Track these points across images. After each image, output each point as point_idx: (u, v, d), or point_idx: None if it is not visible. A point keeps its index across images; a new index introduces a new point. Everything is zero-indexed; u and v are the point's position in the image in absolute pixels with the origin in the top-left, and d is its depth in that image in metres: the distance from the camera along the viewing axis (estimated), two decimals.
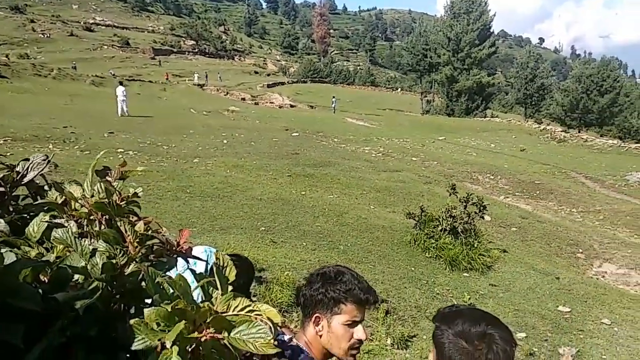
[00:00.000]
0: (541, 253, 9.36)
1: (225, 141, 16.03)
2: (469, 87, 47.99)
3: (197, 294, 0.84)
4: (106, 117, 19.07)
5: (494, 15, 49.53)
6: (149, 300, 0.81)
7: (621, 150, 26.65)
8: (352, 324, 1.57)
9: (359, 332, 1.58)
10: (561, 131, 33.18)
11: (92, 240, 0.85)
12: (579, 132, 39.36)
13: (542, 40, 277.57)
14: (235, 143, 15.93)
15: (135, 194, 0.90)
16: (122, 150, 12.29)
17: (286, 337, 1.63)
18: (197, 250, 1.71)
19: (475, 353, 1.20)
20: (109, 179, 0.92)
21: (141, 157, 11.90)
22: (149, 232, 0.84)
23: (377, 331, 5.38)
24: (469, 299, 6.61)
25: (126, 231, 0.80)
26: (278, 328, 1.83)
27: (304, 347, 1.59)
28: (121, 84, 24.64)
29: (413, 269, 7.24)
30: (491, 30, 51.29)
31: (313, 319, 1.60)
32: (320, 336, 1.58)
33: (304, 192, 10.50)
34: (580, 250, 9.76)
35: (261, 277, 5.64)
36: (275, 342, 1.34)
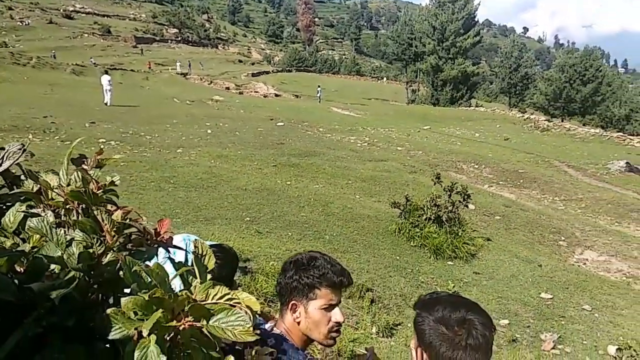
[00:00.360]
0: (524, 241, 9.48)
1: (209, 131, 15.90)
2: (454, 77, 48.15)
3: (178, 283, 0.84)
4: (87, 107, 18.77)
5: (479, 4, 49.61)
6: (128, 290, 0.80)
7: (603, 139, 27.01)
8: (329, 308, 1.58)
9: (336, 315, 1.59)
10: (544, 120, 33.49)
11: (69, 229, 0.84)
12: (562, 121, 39.78)
13: (526, 29, 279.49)
14: (219, 133, 15.82)
15: (112, 183, 0.88)
16: (104, 140, 12.13)
17: (267, 326, 1.64)
18: (176, 239, 1.70)
19: (455, 338, 1.21)
20: (85, 167, 0.90)
21: (123, 147, 11.76)
22: (127, 221, 0.83)
23: (363, 320, 5.42)
24: (453, 287, 6.68)
25: (103, 220, 0.79)
26: (260, 317, 1.83)
27: (284, 335, 1.59)
28: (106, 72, 24.29)
29: (398, 257, 7.30)
30: (476, 20, 51.39)
31: (290, 306, 1.60)
32: (299, 323, 1.59)
33: (289, 182, 10.48)
34: (563, 238, 9.90)
35: (246, 267, 5.64)
36: (257, 331, 1.34)
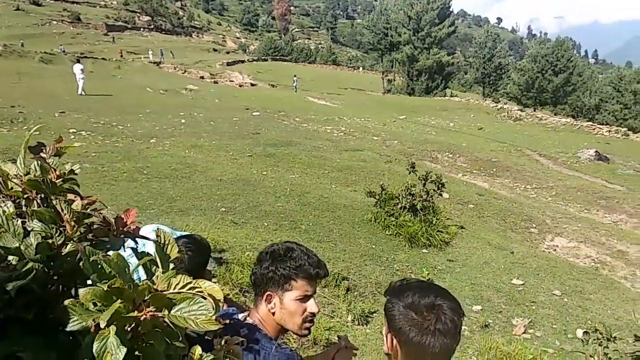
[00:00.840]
0: (497, 229, 9.64)
1: (183, 121, 15.69)
2: (429, 67, 48.51)
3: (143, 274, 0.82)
4: (57, 96, 18.33)
5: None
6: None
7: (573, 129, 27.62)
8: (304, 299, 1.59)
9: (311, 306, 1.60)
10: (517, 110, 34.07)
11: (30, 219, 0.82)
12: (534, 110, 40.54)
13: (500, 20, 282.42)
14: (193, 123, 15.62)
15: (72, 171, 0.86)
16: (75, 130, 11.86)
17: (241, 316, 1.63)
18: (147, 230, 1.67)
19: (424, 323, 1.22)
20: (43, 155, 0.88)
21: (95, 138, 11.52)
22: (88, 210, 0.81)
23: (338, 308, 5.45)
24: (428, 274, 6.76)
25: (62, 210, 0.77)
26: (234, 307, 1.81)
27: (258, 325, 1.59)
28: (78, 61, 23.76)
29: (374, 246, 7.34)
30: (451, 10, 51.80)
31: (265, 297, 1.60)
32: (273, 313, 1.59)
33: (265, 172, 10.43)
34: (534, 225, 10.11)
35: (221, 258, 5.60)
36: (228, 321, 1.33)
